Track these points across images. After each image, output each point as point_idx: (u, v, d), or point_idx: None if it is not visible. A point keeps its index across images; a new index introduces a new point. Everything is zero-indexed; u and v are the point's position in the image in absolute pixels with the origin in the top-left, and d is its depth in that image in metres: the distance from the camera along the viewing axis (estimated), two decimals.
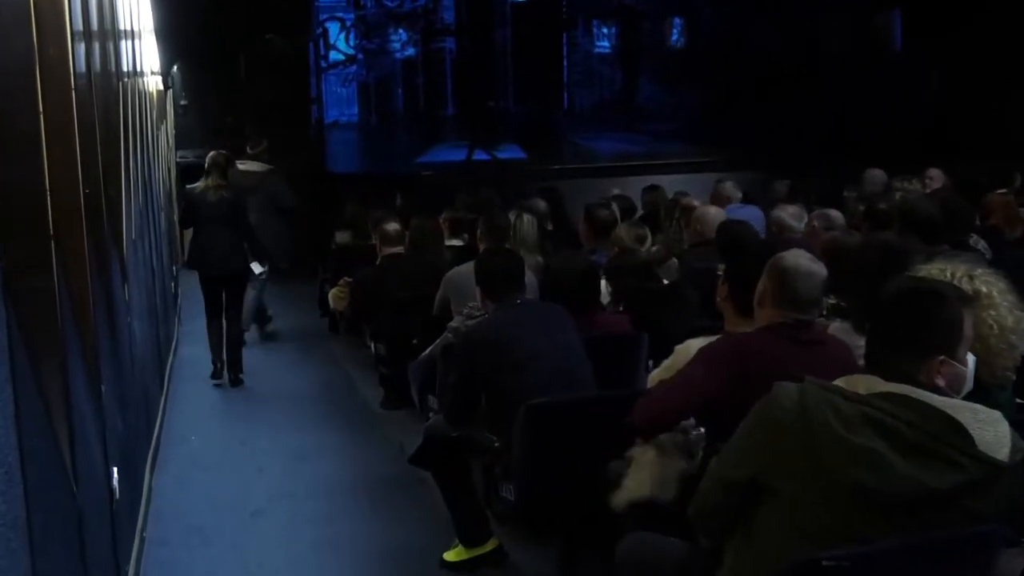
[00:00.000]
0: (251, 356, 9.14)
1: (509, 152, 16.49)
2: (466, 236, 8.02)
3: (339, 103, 16.85)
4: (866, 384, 2.49)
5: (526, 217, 6.43)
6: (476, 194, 9.40)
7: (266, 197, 9.65)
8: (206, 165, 8.15)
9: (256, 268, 8.47)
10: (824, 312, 4.44)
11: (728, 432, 2.73)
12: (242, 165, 9.60)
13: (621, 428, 3.55)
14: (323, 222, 12.04)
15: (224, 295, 8.20)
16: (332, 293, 8.26)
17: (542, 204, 8.15)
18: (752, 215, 7.91)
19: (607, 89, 17.73)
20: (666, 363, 3.70)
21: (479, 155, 16.39)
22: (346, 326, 9.00)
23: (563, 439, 4.08)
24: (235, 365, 8.28)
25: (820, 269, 3.42)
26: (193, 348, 9.36)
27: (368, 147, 17.15)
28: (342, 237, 10.35)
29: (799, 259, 3.43)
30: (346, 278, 7.95)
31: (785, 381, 2.56)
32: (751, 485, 2.54)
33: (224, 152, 8.33)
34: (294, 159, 13.16)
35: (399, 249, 7.29)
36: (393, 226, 7.34)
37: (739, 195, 8.47)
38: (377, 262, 7.36)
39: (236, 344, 8.32)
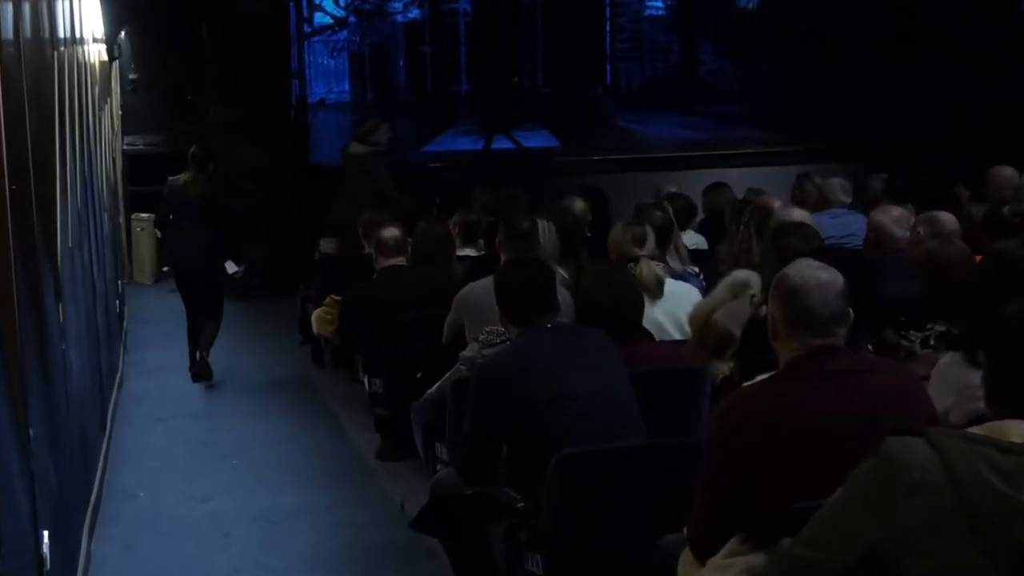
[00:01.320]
0: (215, 394, 9.17)
1: (538, 139, 16.53)
2: (483, 244, 8.02)
3: (326, 78, 16.95)
4: (1020, 431, 2.51)
5: (543, 223, 6.47)
6: (496, 192, 9.43)
7: (361, 182, 10.45)
8: (188, 158, 9.31)
9: (230, 267, 9.38)
10: (932, 343, 4.43)
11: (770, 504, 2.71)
12: (352, 148, 10.78)
13: (678, 487, 3.55)
14: (305, 226, 12.10)
15: (201, 295, 9.38)
16: (316, 315, 8.29)
17: (579, 204, 8.18)
18: (855, 224, 7.91)
19: (661, 61, 17.79)
20: None
21: (500, 143, 16.44)
22: (333, 356, 9.02)
23: (605, 499, 4.08)
24: (204, 350, 9.53)
25: (833, 277, 3.46)
26: (143, 381, 9.41)
27: None
28: (328, 245, 10.40)
29: (806, 271, 3.48)
30: (333, 296, 7.97)
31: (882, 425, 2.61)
32: (861, 564, 2.55)
33: (204, 146, 9.53)
34: (269, 147, 13.24)
35: (400, 260, 7.31)
36: (392, 232, 7.38)
37: (847, 199, 8.51)
38: (373, 276, 7.38)
39: (210, 336, 9.56)
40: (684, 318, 5.76)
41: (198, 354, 9.51)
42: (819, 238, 6.16)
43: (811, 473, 3.18)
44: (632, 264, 5.92)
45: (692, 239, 8.39)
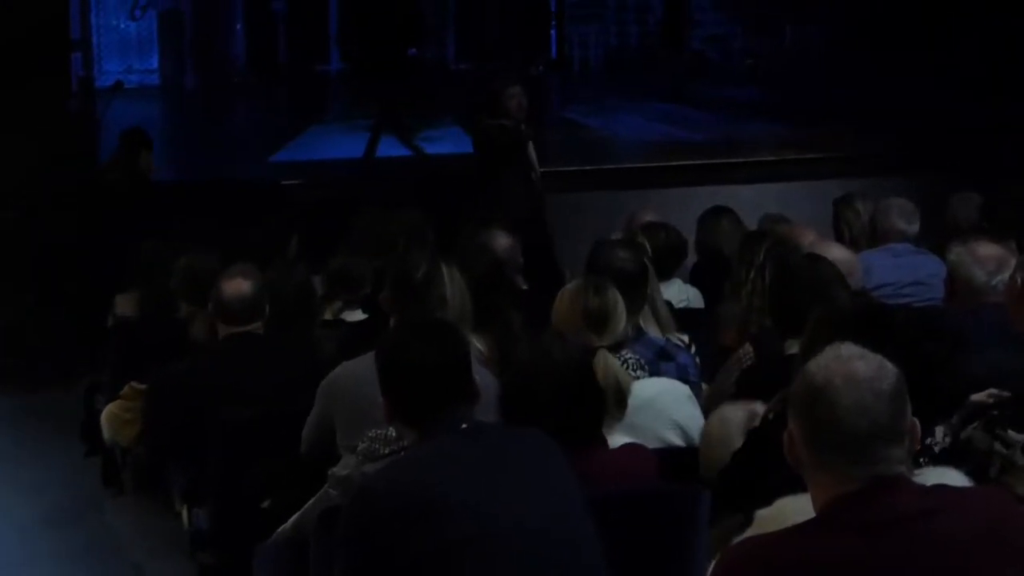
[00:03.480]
0: None
1: (447, 143, 16.57)
2: (355, 301, 8.06)
3: (124, 50, 16.95)
4: None
5: (449, 270, 6.49)
6: (386, 222, 9.45)
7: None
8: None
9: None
10: None
11: None
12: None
13: None
14: (93, 276, 12.03)
15: None
16: (109, 412, 8.25)
17: (504, 241, 8.23)
18: (926, 268, 8.00)
19: (633, 24, 17.92)
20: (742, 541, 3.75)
21: (390, 149, 16.48)
22: (136, 475, 8.97)
23: None
24: None
25: (876, 369, 3.38)
26: None
27: (179, 133, 17.20)
28: (126, 305, 10.36)
29: (833, 363, 3.40)
30: (135, 384, 7.95)
31: None
32: None
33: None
34: (39, 151, 13.17)
35: (254, 328, 7.31)
36: (239, 287, 7.32)
37: (912, 228, 8.57)
38: (198, 352, 7.39)
39: None
40: (669, 435, 5.78)
41: None
42: (840, 279, 6.22)
43: None
44: None
45: (680, 292, 8.46)
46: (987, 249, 6.85)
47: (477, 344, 6.41)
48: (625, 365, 5.94)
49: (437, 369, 4.62)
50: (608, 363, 5.74)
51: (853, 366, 3.37)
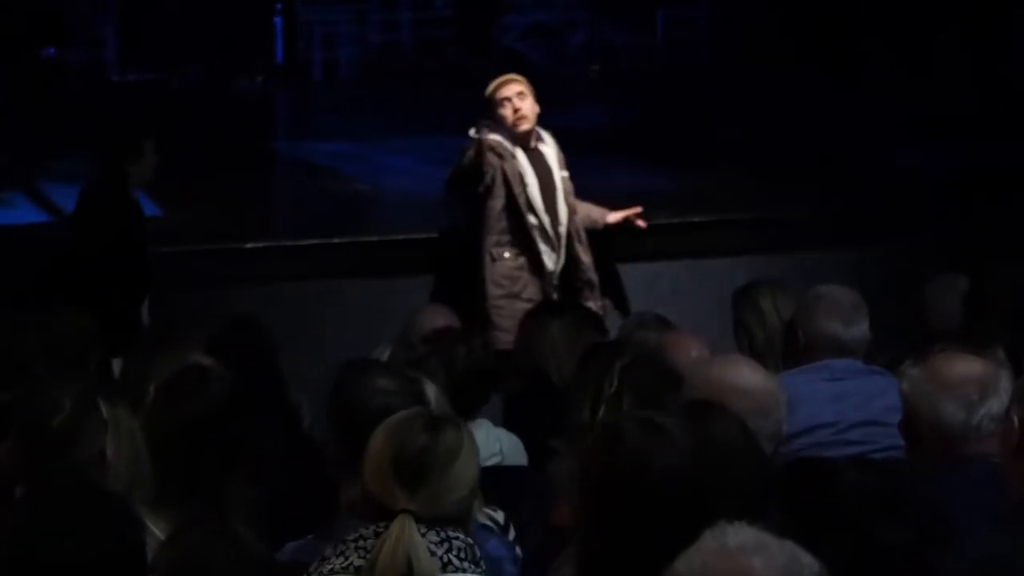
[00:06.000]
0: None
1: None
2: None
3: None
4: None
5: (114, 413, 6.51)
6: (13, 330, 9.47)
7: None
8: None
9: None
10: None
11: None
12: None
13: None
14: None
15: None
16: None
17: (201, 363, 8.30)
18: (883, 399, 8.13)
19: (407, 12, 17.99)
20: None
21: (19, 213, 16.46)
22: None
23: None
24: None
25: (784, 569, 3.35)
26: None
27: None
28: None
29: (716, 563, 3.37)
30: None
31: None
32: None
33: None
34: None
35: None
36: None
37: (854, 332, 8.57)
38: None
39: None
40: None
41: None
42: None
43: None
44: (378, 526, 5.81)
45: (490, 442, 8.48)
46: (961, 368, 6.91)
47: (155, 529, 6.39)
48: (445, 547, 5.85)
49: (86, 568, 4.60)
50: (409, 534, 5.75)
51: (745, 564, 3.30)
